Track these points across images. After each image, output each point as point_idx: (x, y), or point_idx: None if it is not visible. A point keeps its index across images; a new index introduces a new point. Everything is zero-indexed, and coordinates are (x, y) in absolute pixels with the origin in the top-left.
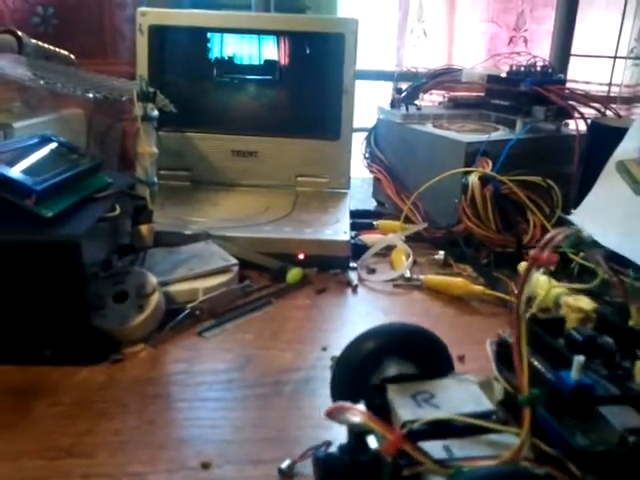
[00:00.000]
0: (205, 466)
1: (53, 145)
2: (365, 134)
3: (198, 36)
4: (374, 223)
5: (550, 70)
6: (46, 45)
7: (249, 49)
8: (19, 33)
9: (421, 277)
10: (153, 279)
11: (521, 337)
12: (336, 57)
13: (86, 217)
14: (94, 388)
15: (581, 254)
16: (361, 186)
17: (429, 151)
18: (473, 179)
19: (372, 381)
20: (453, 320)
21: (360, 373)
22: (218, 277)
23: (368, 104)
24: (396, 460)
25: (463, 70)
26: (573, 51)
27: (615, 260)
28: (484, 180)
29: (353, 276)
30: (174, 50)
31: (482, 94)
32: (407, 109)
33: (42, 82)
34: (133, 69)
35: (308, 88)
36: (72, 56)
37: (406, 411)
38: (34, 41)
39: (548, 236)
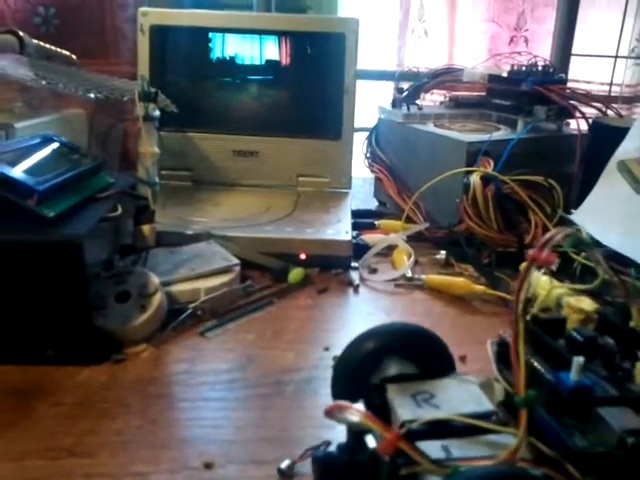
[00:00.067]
0: (208, 466)
1: (55, 145)
2: (366, 134)
3: (199, 36)
4: (375, 223)
5: (551, 70)
6: (47, 45)
7: (250, 49)
8: (21, 33)
9: (423, 277)
10: (155, 279)
11: (519, 337)
12: (337, 57)
13: (88, 217)
14: (96, 388)
15: (583, 254)
16: (362, 186)
17: (430, 151)
18: (475, 179)
19: (372, 381)
20: (454, 320)
21: (360, 373)
22: (220, 277)
23: (369, 104)
24: (394, 459)
25: (464, 70)
26: (574, 51)
27: (616, 260)
28: (486, 180)
29: (355, 276)
30: (175, 50)
31: (483, 94)
32: (408, 109)
33: (44, 82)
34: (134, 69)
35: (309, 88)
36: (73, 56)
37: (405, 411)
38: (35, 41)
39: (547, 236)
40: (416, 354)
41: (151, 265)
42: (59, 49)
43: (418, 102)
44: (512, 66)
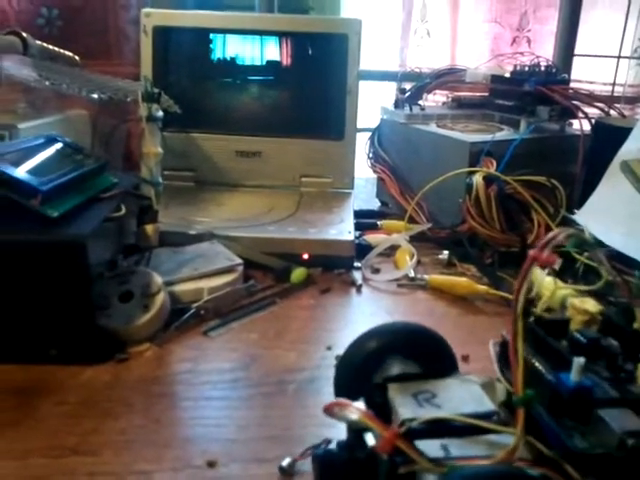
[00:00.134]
0: (211, 464)
1: (58, 145)
2: (369, 134)
3: (202, 37)
4: (378, 223)
5: (554, 70)
6: (51, 46)
7: (253, 50)
8: (24, 34)
9: (425, 277)
10: (158, 279)
11: (517, 336)
12: (340, 57)
13: (92, 217)
14: (99, 387)
15: (586, 254)
16: (365, 186)
17: (433, 151)
18: (477, 179)
19: (375, 380)
20: (457, 320)
21: (363, 372)
22: (223, 277)
23: (372, 104)
24: (392, 458)
25: (467, 70)
26: (577, 51)
27: (619, 260)
28: (488, 180)
29: (357, 276)
30: (178, 51)
31: (486, 94)
32: (411, 109)
33: (47, 83)
34: (137, 70)
35: (312, 89)
36: (76, 57)
37: (406, 410)
38: (39, 42)
39: (549, 236)
40: (419, 354)
41: (154, 265)
42: (62, 50)
43: (421, 102)
44: (515, 66)
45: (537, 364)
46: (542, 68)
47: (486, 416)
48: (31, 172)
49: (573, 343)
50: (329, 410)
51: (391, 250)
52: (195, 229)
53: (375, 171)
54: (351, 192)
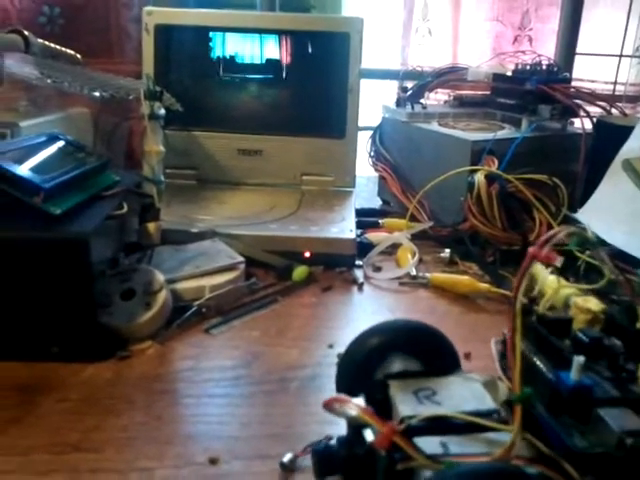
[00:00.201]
0: (213, 462)
1: (60, 143)
2: (370, 133)
3: (204, 35)
4: (380, 221)
5: (556, 69)
6: (52, 44)
7: (255, 48)
8: (26, 33)
9: (427, 275)
10: (160, 276)
11: (516, 333)
12: (341, 56)
13: (94, 215)
14: (101, 384)
15: (587, 252)
16: (366, 185)
17: (435, 150)
18: (479, 177)
19: (376, 377)
20: (459, 318)
21: (364, 368)
22: (224, 275)
23: (373, 103)
24: (390, 454)
25: (469, 69)
26: (578, 50)
27: (622, 259)
28: (490, 178)
29: (359, 274)
30: (180, 49)
31: (488, 93)
32: (412, 108)
33: (49, 81)
34: (139, 68)
35: (313, 87)
36: (78, 55)
37: (406, 407)
38: (40, 40)
39: (549, 234)
40: (420, 351)
41: (156, 263)
42: (64, 48)
43: (422, 101)
44: (516, 65)
45: (538, 362)
46: (544, 67)
47: (486, 414)
48: (33, 170)
49: (575, 342)
50: (328, 406)
51: (393, 248)
52: (197, 227)
53: (377, 169)
54: (352, 190)
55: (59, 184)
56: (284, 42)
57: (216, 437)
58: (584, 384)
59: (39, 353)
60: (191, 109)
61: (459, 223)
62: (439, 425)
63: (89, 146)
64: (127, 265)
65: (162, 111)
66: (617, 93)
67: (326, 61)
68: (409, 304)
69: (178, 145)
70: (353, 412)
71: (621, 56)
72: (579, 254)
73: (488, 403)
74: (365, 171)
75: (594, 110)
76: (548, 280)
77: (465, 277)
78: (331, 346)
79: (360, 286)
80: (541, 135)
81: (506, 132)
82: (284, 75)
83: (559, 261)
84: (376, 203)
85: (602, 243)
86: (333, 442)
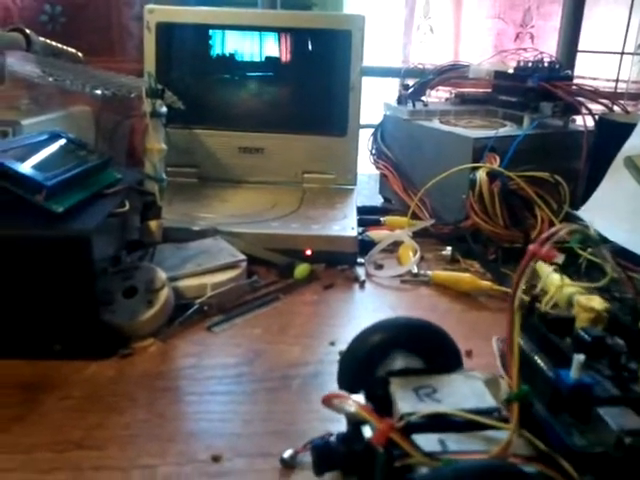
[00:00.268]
0: (215, 459)
1: (62, 141)
2: (372, 130)
3: (205, 33)
4: (381, 219)
5: (557, 66)
6: (54, 43)
7: (257, 46)
8: (27, 31)
9: (428, 273)
10: (162, 274)
11: (514, 331)
12: (343, 54)
13: (96, 212)
14: (104, 382)
15: (589, 250)
16: (368, 182)
17: (436, 147)
18: (481, 175)
19: (378, 374)
20: (461, 315)
21: (366, 365)
22: (226, 273)
23: (375, 100)
24: (389, 450)
25: (470, 66)
26: (580, 47)
27: (624, 256)
28: (492, 176)
29: (360, 272)
30: (182, 47)
31: (489, 90)
32: (414, 105)
33: (51, 79)
34: (140, 66)
35: (315, 85)
36: (80, 54)
37: (406, 404)
38: (42, 39)
39: (549, 231)
40: (422, 348)
41: (158, 261)
42: (65, 46)
43: (424, 99)
44: (518, 62)
45: (539, 361)
46: (545, 64)
47: (487, 412)
48: (36, 168)
49: (577, 341)
50: (327, 402)
51: (394, 246)
52: (198, 225)
53: (378, 167)
54: (354, 188)
55: (61, 182)
56: (285, 40)
57: (218, 434)
58: (584, 383)
59: (42, 351)
60: (193, 107)
61: (461, 221)
62: (438, 422)
63: (91, 144)
64: (129, 263)
65: (164, 109)
66: (619, 90)
67: (328, 59)
68: (411, 302)
69: (179, 143)
70: (351, 408)
71: (623, 53)
72: (580, 252)
73: (489, 401)
74: (366, 169)
75: (596, 107)
76: (551, 278)
77: (467, 275)
78: (333, 343)
79: (362, 284)
80: (543, 132)
81: (508, 129)
82: (285, 73)
83: (560, 259)
84: (377, 201)
85: (604, 241)
86: (333, 438)
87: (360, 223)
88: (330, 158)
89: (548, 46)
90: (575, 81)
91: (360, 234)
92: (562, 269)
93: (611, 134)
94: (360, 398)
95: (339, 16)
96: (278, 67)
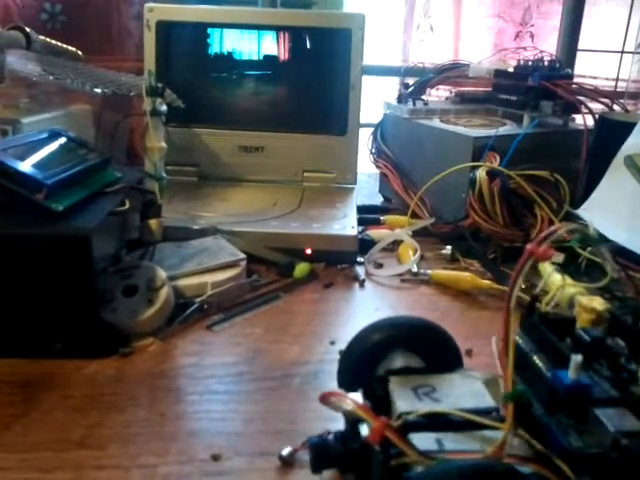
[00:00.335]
0: (215, 458)
1: (62, 140)
2: (372, 129)
3: (205, 32)
4: (381, 218)
5: (557, 65)
6: (54, 41)
7: (256, 45)
8: (27, 29)
9: (428, 272)
10: (162, 273)
11: (509, 331)
12: (343, 52)
13: (96, 211)
14: (104, 381)
15: (589, 249)
16: (367, 181)
17: (436, 146)
18: (481, 174)
19: (378, 373)
20: (461, 314)
21: (365, 364)
22: (226, 271)
23: (375, 99)
24: (385, 449)
25: (470, 65)
26: (580, 46)
27: (624, 255)
28: (492, 175)
29: (360, 271)
30: (182, 46)
31: (489, 89)
32: (414, 104)
33: (51, 78)
34: (140, 65)
35: (315, 84)
36: (79, 52)
37: (404, 403)
38: (42, 37)
39: (547, 230)
40: (422, 348)
41: (158, 259)
42: (65, 45)
43: (424, 97)
44: (518, 61)
45: (537, 361)
46: (545, 63)
47: (485, 412)
48: (35, 166)
49: (576, 341)
50: (324, 400)
51: (394, 245)
52: (198, 224)
53: (378, 166)
54: (354, 187)
55: (61, 181)
56: (285, 38)
57: (218, 433)
58: (581, 383)
59: (42, 349)
60: (193, 105)
61: (460, 220)
62: (436, 422)
63: (91, 143)
64: (129, 262)
65: (164, 107)
66: (619, 89)
67: (328, 57)
68: (411, 301)
69: (179, 142)
70: (348, 407)
71: (623, 52)
72: (580, 251)
73: (487, 401)
74: (366, 168)
75: (596, 106)
76: (553, 278)
77: (467, 274)
78: (333, 342)
79: (362, 283)
80: (543, 131)
81: (508, 128)
82: (286, 72)
83: (560, 258)
84: (377, 200)
85: (604, 240)
86: (330, 437)
87: (360, 222)
88: (330, 157)
89: (548, 45)
90: (575, 80)
91: (360, 233)
92: (562, 268)
93: (611, 133)
94: (358, 396)
95: (339, 15)
96: (278, 66)
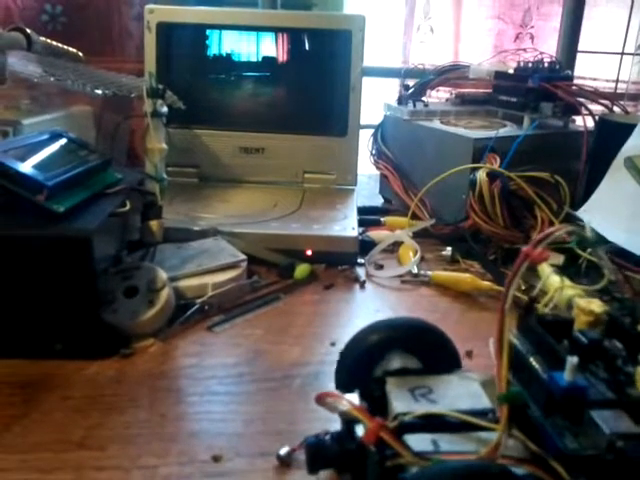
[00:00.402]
0: (216, 459)
1: (63, 141)
2: (372, 131)
3: (206, 33)
4: (381, 219)
5: (557, 66)
6: (54, 43)
7: (257, 46)
8: (28, 31)
9: (429, 273)
10: (163, 274)
11: (504, 333)
12: (344, 54)
13: (97, 212)
14: (105, 382)
15: (589, 250)
16: (368, 183)
17: (436, 147)
18: (481, 175)
19: (375, 374)
20: (461, 316)
21: (362, 365)
22: (227, 273)
23: (375, 101)
24: (381, 450)
25: (470, 66)
26: (580, 48)
27: (624, 257)
28: (492, 176)
29: (361, 272)
30: (182, 47)
31: (489, 90)
32: (414, 105)
33: (52, 79)
34: (140, 66)
35: (315, 85)
36: (80, 53)
37: (400, 404)
38: (43, 39)
39: (545, 232)
40: (419, 349)
41: (159, 260)
42: (66, 46)
43: (424, 99)
44: (518, 63)
45: (534, 363)
46: (545, 64)
47: (481, 413)
48: (36, 167)
49: (574, 343)
50: (320, 400)
51: (394, 246)
52: (199, 225)
53: (378, 167)
54: (354, 188)
55: (62, 182)
56: (286, 40)
57: (219, 434)
58: (577, 385)
59: (43, 350)
60: (193, 107)
61: (461, 221)
62: (432, 423)
63: (91, 144)
64: (130, 263)
65: (164, 109)
66: (619, 91)
67: (328, 59)
68: (411, 302)
69: (180, 143)
70: (344, 407)
71: (623, 54)
72: (581, 252)
73: (484, 402)
74: (366, 169)
75: (596, 108)
76: (551, 279)
77: (467, 275)
78: (333, 344)
79: (362, 284)
80: (543, 133)
81: (508, 130)
82: (286, 73)
83: (561, 260)
84: (378, 201)
85: (604, 241)
86: (327, 437)
87: (360, 223)
88: (330, 158)
89: (548, 46)
90: (575, 81)
91: (360, 234)
92: (562, 270)
93: (611, 134)
94: (354, 397)
95: (340, 16)
96: (279, 67)
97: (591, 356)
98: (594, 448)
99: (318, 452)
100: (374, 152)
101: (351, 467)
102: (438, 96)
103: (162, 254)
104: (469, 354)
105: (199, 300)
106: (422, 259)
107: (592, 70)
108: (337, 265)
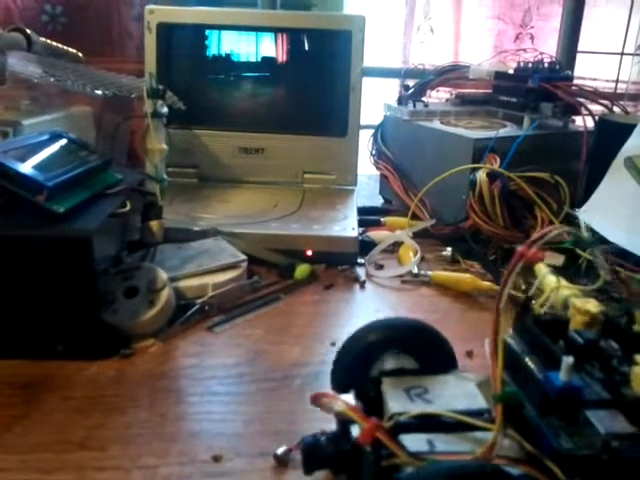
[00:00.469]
0: (216, 459)
1: (63, 142)
2: (372, 131)
3: (206, 34)
4: (381, 220)
5: (557, 67)
6: (54, 43)
7: (256, 47)
8: (28, 31)
9: (429, 273)
10: (163, 274)
11: (498, 332)
12: (344, 54)
13: (97, 213)
14: (105, 382)
15: (589, 251)
16: (368, 183)
17: (436, 148)
18: (481, 175)
19: (372, 374)
20: (461, 316)
21: (359, 365)
22: (227, 273)
23: (375, 101)
24: (377, 450)
25: (470, 67)
26: (580, 48)
27: (624, 257)
28: (492, 176)
29: (361, 272)
30: (182, 48)
31: (489, 91)
32: (414, 106)
33: (52, 79)
34: (140, 67)
35: (315, 85)
36: (80, 54)
37: (396, 404)
38: (43, 39)
39: (540, 232)
40: (416, 349)
41: (159, 261)
42: (66, 47)
43: (424, 99)
44: (518, 63)
45: (529, 362)
46: (545, 65)
47: (477, 413)
48: (36, 168)
49: (569, 343)
50: (315, 401)
51: (394, 247)
52: (199, 225)
53: (378, 168)
54: (354, 189)
55: (62, 182)
56: (286, 40)
57: (219, 434)
58: (572, 385)
59: (43, 351)
60: (193, 107)
61: (461, 221)
62: (428, 423)
63: (91, 144)
64: (130, 263)
65: (165, 109)
66: (619, 91)
67: (328, 59)
68: (411, 302)
69: (180, 143)
70: (339, 407)
71: (622, 54)
72: (581, 252)
73: (480, 402)
74: (366, 169)
75: (596, 108)
76: (548, 279)
77: (467, 275)
78: (333, 344)
79: (362, 284)
80: (543, 133)
81: (508, 130)
82: (286, 73)
83: (560, 260)
84: (378, 201)
85: (602, 241)
86: (323, 437)
87: (360, 224)
88: (330, 158)
89: (548, 47)
90: (575, 82)
91: (360, 234)
92: (562, 270)
93: (611, 135)
94: (349, 398)
95: (340, 16)
96: (279, 67)
97: (587, 356)
98: (589, 448)
99: (314, 453)
100: (374, 152)
101: (347, 467)
102: (438, 96)
103: (162, 254)
104: (469, 354)
105: (199, 300)
106: (422, 259)
107: (592, 70)
108: (337, 265)
